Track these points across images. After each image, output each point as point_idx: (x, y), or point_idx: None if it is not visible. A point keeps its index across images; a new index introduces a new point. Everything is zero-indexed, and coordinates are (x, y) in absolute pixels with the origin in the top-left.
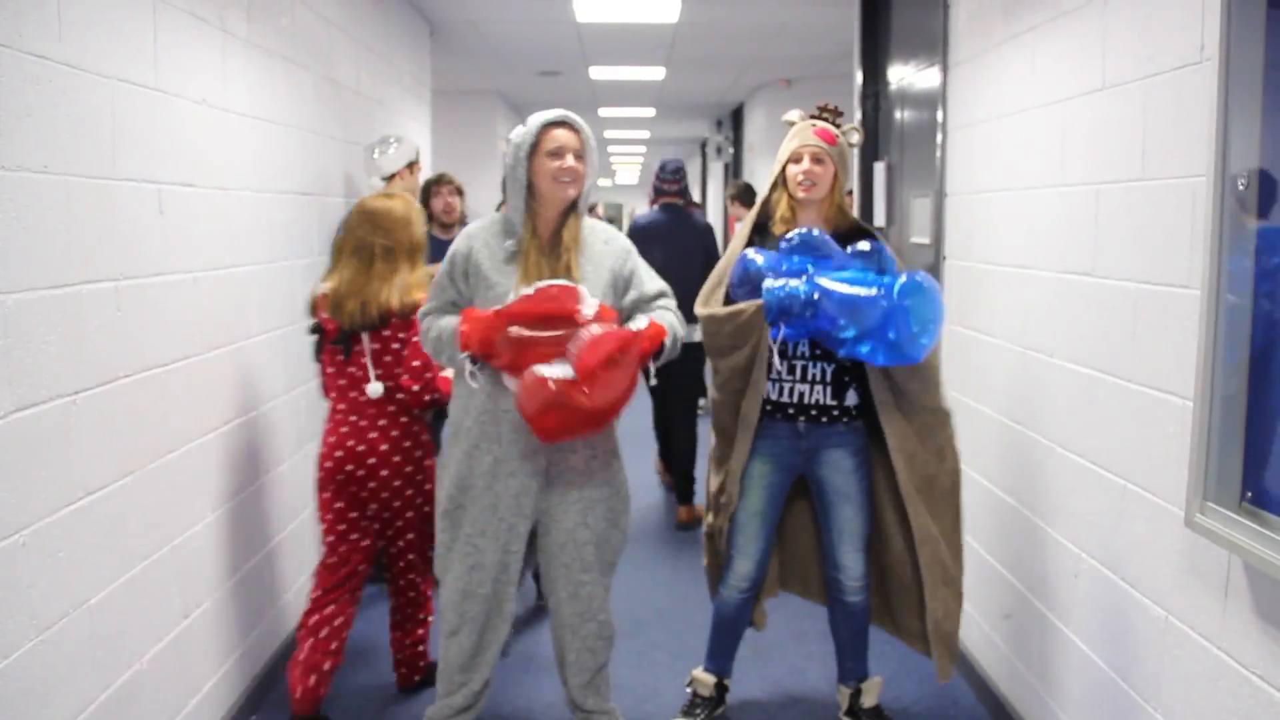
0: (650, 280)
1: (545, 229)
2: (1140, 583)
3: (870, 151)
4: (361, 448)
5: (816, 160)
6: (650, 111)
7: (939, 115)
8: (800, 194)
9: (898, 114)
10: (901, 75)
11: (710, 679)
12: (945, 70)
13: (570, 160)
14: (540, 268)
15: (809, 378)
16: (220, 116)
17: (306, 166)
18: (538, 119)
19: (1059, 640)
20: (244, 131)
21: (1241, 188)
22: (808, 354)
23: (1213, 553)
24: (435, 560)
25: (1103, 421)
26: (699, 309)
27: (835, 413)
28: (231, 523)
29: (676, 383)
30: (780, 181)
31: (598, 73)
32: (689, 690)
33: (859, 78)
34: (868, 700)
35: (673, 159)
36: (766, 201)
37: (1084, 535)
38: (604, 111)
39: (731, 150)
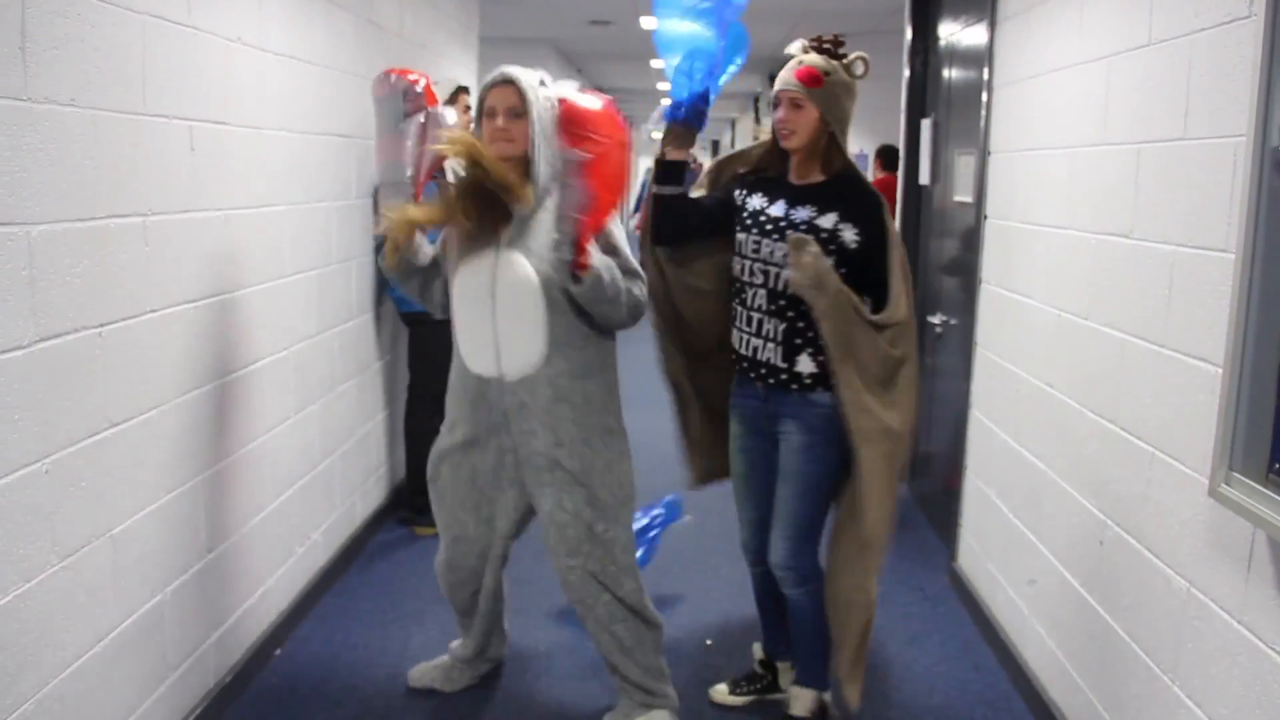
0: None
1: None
2: (1164, 553)
3: (918, 108)
4: None
5: (794, 105)
6: None
7: (985, 72)
8: (782, 142)
9: (946, 71)
10: (951, 31)
11: (759, 653)
12: (993, 26)
13: (500, 120)
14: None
15: (763, 333)
16: (256, 56)
17: (345, 109)
18: (485, 81)
19: (1083, 609)
20: (280, 72)
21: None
22: (764, 307)
23: (1236, 524)
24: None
25: (1133, 387)
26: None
27: (784, 377)
28: (261, 460)
29: None
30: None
31: (650, 22)
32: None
33: (909, 34)
34: (796, 708)
35: None
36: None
37: (1110, 502)
38: (657, 63)
39: None
